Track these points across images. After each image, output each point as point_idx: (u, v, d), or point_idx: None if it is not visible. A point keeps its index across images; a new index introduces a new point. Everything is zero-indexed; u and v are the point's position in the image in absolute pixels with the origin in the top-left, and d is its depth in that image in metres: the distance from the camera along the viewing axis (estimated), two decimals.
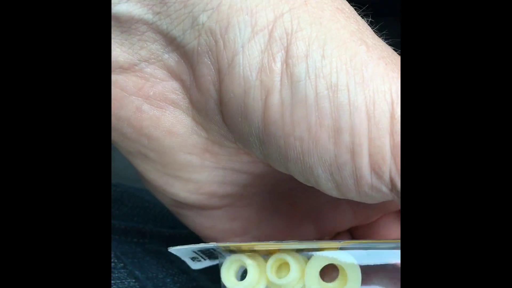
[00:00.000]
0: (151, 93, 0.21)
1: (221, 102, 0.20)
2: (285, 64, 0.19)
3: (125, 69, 0.21)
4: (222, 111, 0.21)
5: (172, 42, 0.20)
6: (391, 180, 0.20)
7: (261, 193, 0.25)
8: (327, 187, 0.20)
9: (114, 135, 0.22)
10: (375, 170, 0.20)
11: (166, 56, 0.21)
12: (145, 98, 0.21)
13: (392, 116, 0.19)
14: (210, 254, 0.22)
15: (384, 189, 0.20)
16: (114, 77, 0.21)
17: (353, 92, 0.19)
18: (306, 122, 0.19)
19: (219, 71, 0.20)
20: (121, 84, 0.21)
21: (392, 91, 0.20)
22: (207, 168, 0.22)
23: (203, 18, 0.20)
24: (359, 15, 0.21)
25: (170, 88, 0.21)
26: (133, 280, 0.25)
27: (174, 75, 0.21)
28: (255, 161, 0.23)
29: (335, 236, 0.26)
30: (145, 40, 0.20)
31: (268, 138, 0.20)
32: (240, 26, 0.19)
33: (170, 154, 0.22)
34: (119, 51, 0.21)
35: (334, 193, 0.21)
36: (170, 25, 0.20)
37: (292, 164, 0.20)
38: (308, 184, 0.21)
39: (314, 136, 0.19)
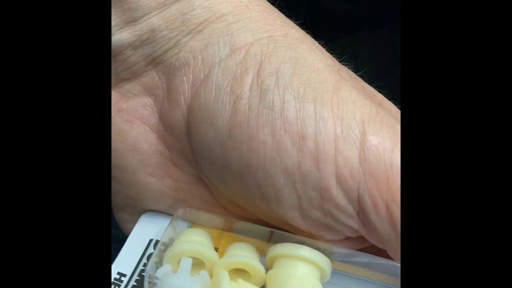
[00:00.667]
0: (124, 106, 0.22)
1: (190, 110, 0.20)
2: (256, 76, 0.20)
3: None
4: (189, 121, 0.20)
5: (152, 61, 0.21)
6: (359, 200, 0.19)
7: None
8: (288, 203, 0.19)
9: None
10: (342, 184, 0.19)
11: (144, 74, 0.21)
12: (117, 111, 0.22)
13: (362, 134, 0.19)
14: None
15: (350, 209, 0.19)
16: None
17: (320, 104, 0.19)
18: (270, 126, 0.19)
19: (193, 83, 0.20)
20: None
21: (363, 114, 0.19)
22: (166, 198, 0.22)
23: (185, 39, 0.20)
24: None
25: (142, 103, 0.22)
26: None
27: (148, 90, 0.21)
28: (214, 203, 0.22)
29: None
30: (128, 63, 0.21)
31: (232, 143, 0.19)
32: (219, 44, 0.20)
33: (132, 172, 0.21)
34: None
35: (294, 214, 0.19)
36: (154, 48, 0.21)
37: (252, 176, 0.19)
38: (269, 213, 0.20)
39: (278, 141, 0.19)
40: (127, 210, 0.23)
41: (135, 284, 0.20)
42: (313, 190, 0.19)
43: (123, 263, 0.21)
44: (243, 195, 0.20)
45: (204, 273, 0.19)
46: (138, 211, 0.23)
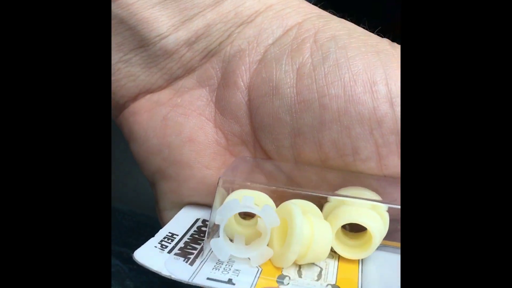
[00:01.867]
0: (179, 100, 0.22)
1: (251, 88, 0.21)
2: (314, 43, 0.20)
3: (162, 88, 0.22)
4: (250, 98, 0.21)
5: (206, 55, 0.22)
6: None
7: None
8: (366, 153, 0.19)
9: (140, 150, 0.22)
10: None
11: (198, 68, 0.22)
12: (172, 107, 0.22)
13: None
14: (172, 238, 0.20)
15: None
16: (150, 95, 0.22)
17: (384, 56, 0.20)
18: (340, 81, 0.19)
19: (250, 64, 0.21)
20: (155, 98, 0.22)
21: None
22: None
23: (238, 30, 0.21)
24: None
25: (197, 95, 0.22)
26: None
27: (201, 82, 0.22)
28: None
29: None
30: (183, 60, 0.21)
31: (302, 106, 0.20)
32: (272, 28, 0.21)
33: (188, 167, 0.21)
34: (159, 75, 0.21)
35: (372, 165, 0.19)
36: (209, 42, 0.21)
37: (326, 132, 0.19)
38: (344, 160, 0.20)
39: (350, 92, 0.19)
40: (175, 209, 0.22)
41: (188, 240, 0.20)
42: (390, 134, 0.19)
43: (175, 225, 0.21)
44: (314, 155, 0.20)
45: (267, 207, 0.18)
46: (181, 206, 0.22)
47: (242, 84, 0.21)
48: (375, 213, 0.19)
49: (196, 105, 0.22)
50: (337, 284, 0.18)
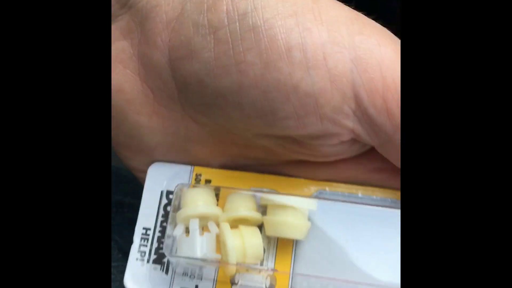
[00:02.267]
0: None
1: (171, 49, 0.22)
2: (230, 2, 0.20)
3: None
4: (170, 58, 0.22)
5: (125, 5, 0.22)
6: (355, 97, 0.20)
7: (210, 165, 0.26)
8: (284, 114, 0.21)
9: None
10: (335, 84, 0.20)
11: (120, 17, 0.22)
12: None
13: (349, 34, 0.20)
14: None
15: (347, 108, 0.20)
16: None
17: (301, 16, 0.20)
18: (256, 47, 0.20)
19: (167, 23, 0.22)
20: None
21: (346, 17, 0.20)
22: (155, 132, 0.24)
23: None
24: None
25: (120, 48, 0.23)
26: (112, 243, 0.28)
27: (124, 34, 0.23)
28: (201, 130, 0.24)
29: None
30: None
31: (220, 71, 0.21)
32: None
33: (121, 112, 0.23)
34: None
35: (291, 123, 0.21)
36: None
37: (245, 94, 0.21)
38: (264, 129, 0.22)
39: (266, 59, 0.20)
40: (125, 147, 0.25)
41: (160, 234, 0.25)
42: (306, 97, 0.20)
43: (145, 219, 0.25)
44: (237, 116, 0.22)
45: (208, 234, 0.23)
46: (135, 148, 0.25)
47: (162, 44, 0.22)
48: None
49: (120, 58, 0.23)
50: (275, 267, 0.24)
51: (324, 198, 0.24)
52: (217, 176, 0.25)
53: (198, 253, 0.23)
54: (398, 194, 0.24)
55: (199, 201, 0.24)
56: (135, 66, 0.23)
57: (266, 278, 0.24)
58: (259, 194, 0.24)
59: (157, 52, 0.22)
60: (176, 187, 0.25)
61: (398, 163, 0.22)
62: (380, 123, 0.21)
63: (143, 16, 0.22)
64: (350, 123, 0.21)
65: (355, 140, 0.22)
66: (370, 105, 0.20)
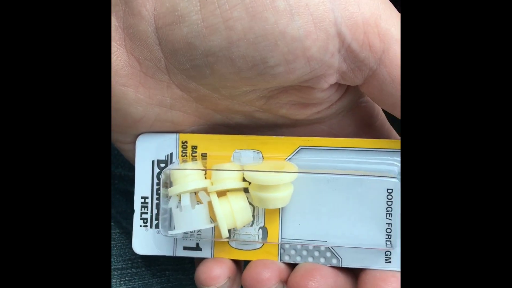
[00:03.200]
0: None
1: (157, 18, 0.23)
2: None
3: None
4: (156, 27, 0.23)
5: None
6: (338, 34, 0.22)
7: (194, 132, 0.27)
8: (273, 61, 0.22)
9: None
10: (319, 25, 0.21)
11: None
12: None
13: None
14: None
15: (331, 47, 0.22)
16: None
17: None
18: (242, 3, 0.21)
19: None
20: None
21: None
22: (141, 103, 0.25)
23: None
24: None
25: None
26: None
27: None
28: (187, 98, 0.25)
29: None
30: None
31: (209, 30, 0.22)
32: None
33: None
34: None
35: (281, 69, 0.22)
36: None
37: (235, 48, 0.22)
38: (253, 81, 0.23)
39: (251, 12, 0.21)
40: (115, 127, 0.26)
41: (157, 201, 0.27)
42: (294, 41, 0.22)
43: (141, 188, 0.27)
44: (228, 71, 0.23)
45: (201, 205, 0.25)
46: (120, 121, 0.26)
47: (147, 13, 0.23)
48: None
49: None
50: (265, 225, 0.26)
51: (304, 172, 0.25)
52: (203, 141, 0.26)
53: (194, 226, 0.25)
54: (381, 143, 0.25)
55: (188, 177, 0.25)
56: (120, 38, 0.24)
57: (258, 230, 0.26)
58: (241, 171, 0.26)
59: (142, 22, 0.23)
60: (164, 170, 0.26)
61: (380, 101, 0.24)
62: (363, 57, 0.22)
63: None
64: (336, 61, 0.22)
65: (339, 85, 0.24)
66: (353, 40, 0.22)
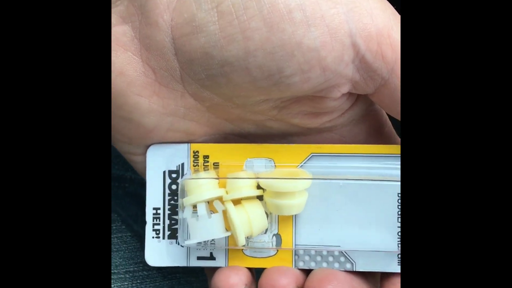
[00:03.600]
0: None
1: (174, 28, 0.23)
2: None
3: None
4: (173, 37, 0.23)
5: None
6: (353, 45, 0.23)
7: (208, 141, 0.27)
8: (289, 71, 0.23)
9: None
10: (334, 36, 0.22)
11: (118, 2, 0.24)
12: None
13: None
14: None
15: (346, 57, 0.23)
16: None
17: None
18: (259, 14, 0.22)
19: (168, 3, 0.23)
20: None
21: None
22: (155, 113, 0.25)
23: None
24: None
25: (121, 32, 0.24)
26: (115, 215, 0.30)
27: (124, 18, 0.24)
28: (200, 108, 0.25)
29: None
30: None
31: (227, 40, 0.22)
32: None
33: (121, 95, 0.24)
34: None
35: (296, 79, 0.23)
36: None
37: (252, 58, 0.22)
38: (268, 91, 0.23)
39: (269, 23, 0.22)
40: (122, 131, 0.26)
41: (169, 212, 0.27)
42: (310, 51, 0.22)
43: (153, 199, 0.27)
44: (244, 80, 0.23)
45: (216, 214, 0.25)
46: (133, 132, 0.26)
47: (164, 23, 0.23)
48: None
49: (122, 41, 0.24)
50: (279, 232, 0.27)
51: (318, 178, 0.26)
52: (214, 150, 0.27)
53: (210, 235, 0.25)
54: (393, 148, 0.26)
55: (203, 186, 0.26)
56: (136, 48, 0.24)
57: (272, 237, 0.27)
58: (256, 179, 0.26)
59: (159, 32, 0.23)
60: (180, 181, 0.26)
61: (390, 109, 0.25)
62: (376, 67, 0.23)
63: (143, 1, 0.23)
64: (350, 71, 0.23)
65: (350, 94, 0.25)
66: (367, 51, 0.23)
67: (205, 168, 0.27)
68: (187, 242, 0.26)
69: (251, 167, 0.27)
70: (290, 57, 0.22)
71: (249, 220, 0.25)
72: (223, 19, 0.22)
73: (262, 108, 0.25)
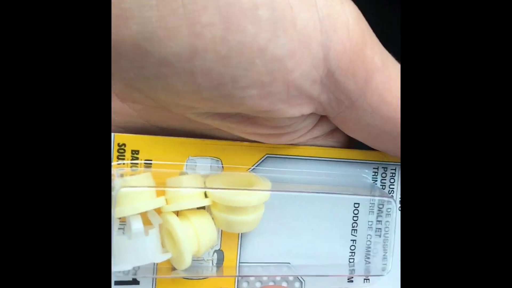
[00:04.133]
0: None
1: None
2: None
3: None
4: None
5: None
6: (324, 58, 0.18)
7: None
8: (246, 82, 0.18)
9: None
10: (306, 46, 0.18)
11: None
12: None
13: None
14: None
15: (314, 73, 0.18)
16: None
17: None
18: (215, 5, 0.16)
19: None
20: None
21: None
22: None
23: None
24: None
25: None
26: None
27: None
28: (131, 114, 0.20)
29: None
30: None
31: (165, 33, 0.17)
32: None
33: None
34: None
35: (253, 92, 0.18)
36: None
37: (198, 61, 0.17)
38: (215, 104, 0.18)
39: (226, 18, 0.17)
40: None
41: None
42: (274, 61, 0.17)
43: None
44: (185, 88, 0.18)
45: (153, 230, 0.20)
46: None
47: None
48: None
49: None
50: (221, 249, 0.22)
51: (278, 191, 0.22)
52: (146, 144, 0.21)
53: (148, 258, 0.19)
54: (353, 153, 0.23)
55: (137, 194, 0.19)
56: None
57: (213, 254, 0.22)
58: (203, 189, 0.21)
59: None
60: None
61: (353, 132, 0.21)
62: (345, 88, 0.19)
63: None
64: (316, 91, 0.19)
65: (311, 114, 0.21)
66: (338, 68, 0.18)
67: (133, 166, 0.21)
68: (115, 269, 0.19)
69: (192, 168, 0.21)
70: (249, 65, 0.17)
71: (197, 236, 0.20)
72: (165, 5, 0.16)
73: (207, 121, 0.20)
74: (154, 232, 0.20)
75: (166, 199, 0.20)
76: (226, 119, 0.20)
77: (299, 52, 0.18)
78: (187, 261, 0.20)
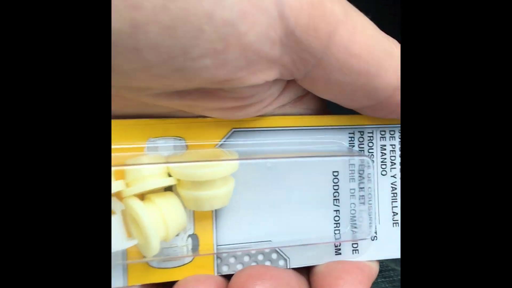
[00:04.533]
0: None
1: None
2: None
3: None
4: None
5: None
6: (280, 17, 0.17)
7: None
8: (198, 51, 0.16)
9: None
10: (258, 4, 0.16)
11: None
12: None
13: None
14: None
15: (273, 34, 0.17)
16: None
17: None
18: None
19: None
20: None
21: None
22: None
23: None
24: None
25: None
26: None
27: None
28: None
29: None
30: None
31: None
32: None
33: None
34: None
35: (208, 62, 0.17)
36: None
37: (142, 35, 0.16)
38: (170, 80, 0.17)
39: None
40: None
41: None
42: (225, 25, 0.16)
43: None
44: (133, 66, 0.17)
45: (115, 217, 0.18)
46: None
47: None
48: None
49: None
50: (195, 232, 0.21)
51: (245, 158, 0.20)
52: None
53: (113, 247, 0.18)
54: (326, 120, 0.22)
55: None
56: None
57: (187, 239, 0.21)
58: (165, 164, 0.19)
59: None
60: None
61: (324, 93, 0.20)
62: (308, 45, 0.18)
63: None
64: (277, 53, 0.18)
65: (277, 80, 0.19)
66: (296, 25, 0.17)
67: None
68: None
69: (154, 150, 0.20)
70: (197, 32, 0.16)
71: (163, 220, 0.19)
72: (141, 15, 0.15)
73: (165, 102, 0.19)
74: (115, 219, 0.18)
75: (126, 183, 0.19)
76: (185, 97, 0.19)
77: (250, 13, 0.16)
78: (155, 248, 0.19)
